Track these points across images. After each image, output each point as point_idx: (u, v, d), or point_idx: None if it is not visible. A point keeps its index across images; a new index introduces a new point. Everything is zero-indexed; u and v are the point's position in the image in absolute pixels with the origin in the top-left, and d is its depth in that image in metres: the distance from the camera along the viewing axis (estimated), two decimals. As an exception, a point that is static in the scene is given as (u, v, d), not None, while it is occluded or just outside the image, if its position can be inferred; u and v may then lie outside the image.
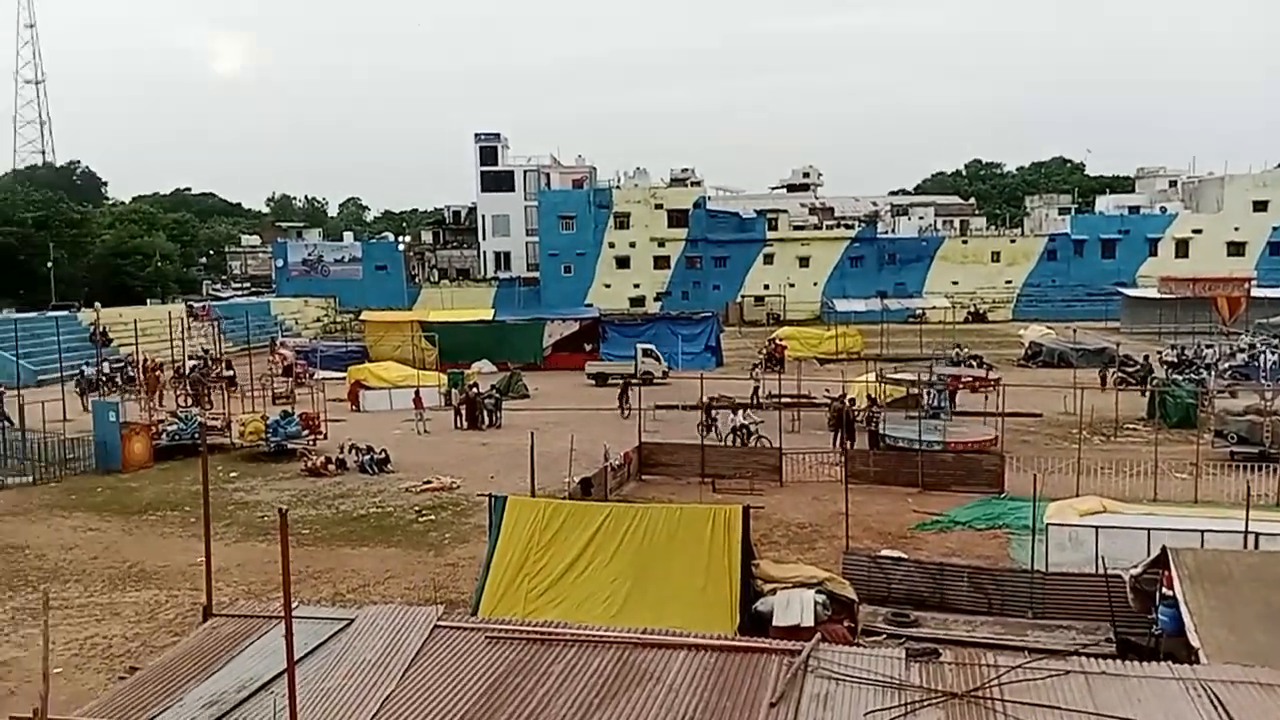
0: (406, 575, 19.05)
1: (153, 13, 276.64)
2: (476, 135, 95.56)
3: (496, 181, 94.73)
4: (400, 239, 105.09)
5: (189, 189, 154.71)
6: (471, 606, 14.57)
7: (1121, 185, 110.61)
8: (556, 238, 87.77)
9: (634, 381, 38.19)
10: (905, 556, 16.63)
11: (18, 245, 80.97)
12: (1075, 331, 59.25)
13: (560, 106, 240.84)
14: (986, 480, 24.63)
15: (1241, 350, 47.11)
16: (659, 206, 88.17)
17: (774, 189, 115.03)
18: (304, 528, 22.33)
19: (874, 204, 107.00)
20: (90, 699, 11.55)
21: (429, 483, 26.34)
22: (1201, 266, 77.47)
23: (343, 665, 9.44)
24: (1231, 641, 10.40)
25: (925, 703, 8.34)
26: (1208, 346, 48.66)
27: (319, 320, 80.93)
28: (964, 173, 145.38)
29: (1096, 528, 16.48)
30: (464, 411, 35.87)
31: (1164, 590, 12.49)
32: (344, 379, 43.09)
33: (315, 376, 43.94)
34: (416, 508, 24.16)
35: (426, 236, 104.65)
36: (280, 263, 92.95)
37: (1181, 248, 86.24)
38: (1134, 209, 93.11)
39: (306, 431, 31.39)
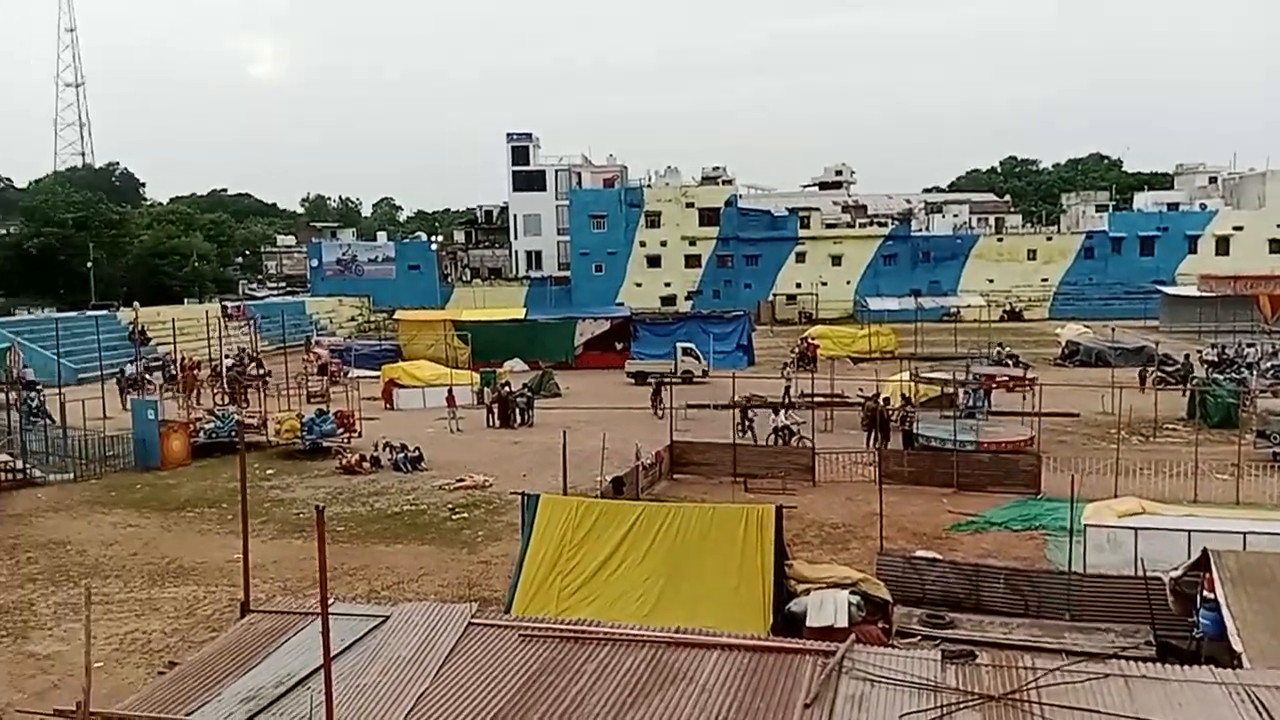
0: (440, 573, 19.14)
1: (191, 15, 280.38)
2: (508, 135, 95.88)
3: (528, 181, 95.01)
4: (433, 239, 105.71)
5: (225, 190, 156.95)
6: (505, 604, 14.66)
7: (1160, 182, 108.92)
8: (588, 237, 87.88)
9: (675, 380, 38.00)
10: (940, 557, 16.48)
11: (58, 245, 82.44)
12: (1113, 330, 58.45)
13: (593, 105, 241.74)
14: (1023, 481, 24.32)
15: (1284, 349, 46.36)
16: (690, 205, 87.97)
17: (806, 187, 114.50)
18: (339, 525, 22.50)
19: (907, 201, 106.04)
20: (131, 693, 11.71)
21: (462, 481, 26.45)
22: (1243, 264, 76.38)
23: (378, 661, 9.51)
24: (1275, 646, 10.22)
25: (961, 705, 8.27)
26: (1249, 345, 47.98)
27: (353, 319, 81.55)
28: (999, 170, 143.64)
29: (1136, 529, 16.26)
30: (496, 410, 36.04)
31: (1205, 593, 12.29)
32: (378, 378, 43.49)
33: (350, 375, 44.29)
34: (450, 505, 24.27)
35: (459, 236, 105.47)
36: (315, 262, 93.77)
37: (1222, 245, 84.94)
38: (1173, 206, 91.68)
39: (341, 430, 31.67)
